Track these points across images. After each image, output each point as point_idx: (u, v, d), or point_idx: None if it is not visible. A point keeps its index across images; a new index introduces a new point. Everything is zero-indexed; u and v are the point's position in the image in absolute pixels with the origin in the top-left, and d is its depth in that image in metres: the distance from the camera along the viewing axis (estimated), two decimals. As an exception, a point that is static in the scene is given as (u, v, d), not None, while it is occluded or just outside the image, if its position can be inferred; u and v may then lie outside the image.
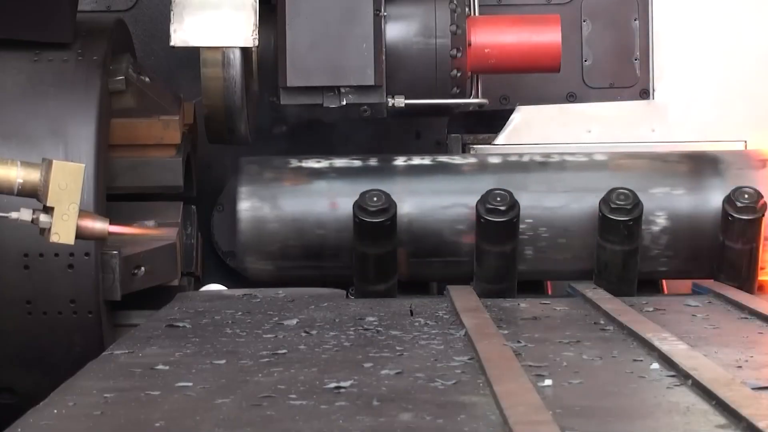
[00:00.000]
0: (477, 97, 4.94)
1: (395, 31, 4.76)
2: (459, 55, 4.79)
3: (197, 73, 4.67)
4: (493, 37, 4.86)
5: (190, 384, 2.93)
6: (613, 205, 4.35)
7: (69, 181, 3.53)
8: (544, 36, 4.87)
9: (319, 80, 4.58)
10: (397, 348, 3.37)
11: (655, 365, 3.06)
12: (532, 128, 5.23)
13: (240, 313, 4.04)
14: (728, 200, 4.43)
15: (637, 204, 4.36)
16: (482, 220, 4.33)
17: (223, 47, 4.52)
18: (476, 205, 4.35)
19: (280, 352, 3.33)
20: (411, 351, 3.33)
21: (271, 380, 2.98)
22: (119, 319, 4.56)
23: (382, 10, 4.66)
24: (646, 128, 5.26)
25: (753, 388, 2.74)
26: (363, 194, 4.37)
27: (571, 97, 5.44)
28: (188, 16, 4.39)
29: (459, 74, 4.82)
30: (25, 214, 3.56)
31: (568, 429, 2.44)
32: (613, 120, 5.26)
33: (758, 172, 4.65)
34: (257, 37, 4.42)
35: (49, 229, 3.53)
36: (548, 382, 2.88)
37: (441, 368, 3.08)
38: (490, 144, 5.23)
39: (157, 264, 4.50)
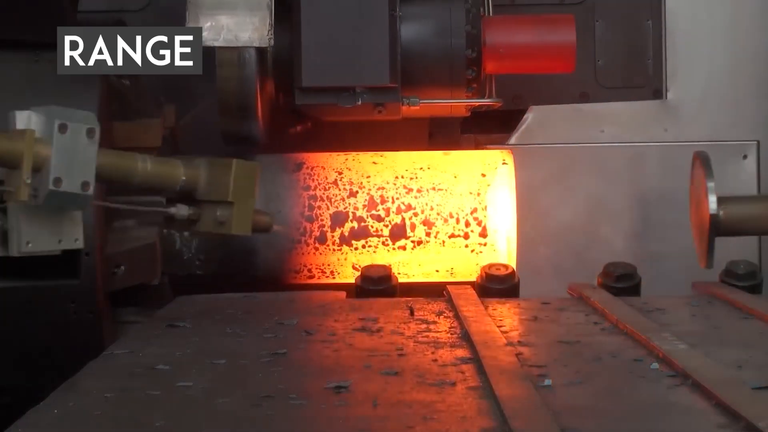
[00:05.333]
0: (491, 97, 4.94)
1: (410, 31, 4.76)
2: (474, 55, 4.79)
3: (209, 73, 4.66)
4: (508, 37, 4.85)
5: (191, 384, 2.93)
6: None
7: (247, 178, 3.75)
8: (558, 36, 4.86)
9: (334, 80, 4.58)
10: (397, 348, 3.37)
11: (655, 365, 3.06)
12: (545, 128, 5.23)
13: (240, 313, 4.04)
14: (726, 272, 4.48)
15: None
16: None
17: (238, 47, 4.51)
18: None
19: (280, 352, 3.33)
20: (411, 351, 3.33)
21: (271, 380, 2.98)
22: (120, 318, 4.56)
23: (398, 10, 4.66)
24: (658, 128, 5.26)
25: (753, 388, 2.75)
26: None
27: (584, 97, 5.44)
28: (204, 16, 4.39)
29: (474, 74, 4.81)
30: (182, 210, 3.75)
31: (568, 429, 2.45)
32: (625, 120, 5.26)
33: None
34: (272, 37, 4.42)
35: (230, 222, 3.73)
36: (548, 382, 2.88)
37: (441, 368, 3.08)
38: (503, 144, 5.22)
39: (137, 263, 4.49)
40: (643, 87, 5.44)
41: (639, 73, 5.45)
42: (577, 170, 4.99)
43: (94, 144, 3.40)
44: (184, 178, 3.73)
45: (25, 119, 3.39)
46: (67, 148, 3.35)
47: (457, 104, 4.86)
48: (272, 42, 4.42)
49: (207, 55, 4.62)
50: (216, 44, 4.42)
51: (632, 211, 5.13)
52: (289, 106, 4.81)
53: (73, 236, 3.56)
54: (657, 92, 5.38)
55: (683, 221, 5.04)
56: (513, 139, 5.22)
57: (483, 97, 4.91)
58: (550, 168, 5.16)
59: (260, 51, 4.61)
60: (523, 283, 4.63)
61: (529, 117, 5.25)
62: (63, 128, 3.35)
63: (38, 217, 3.45)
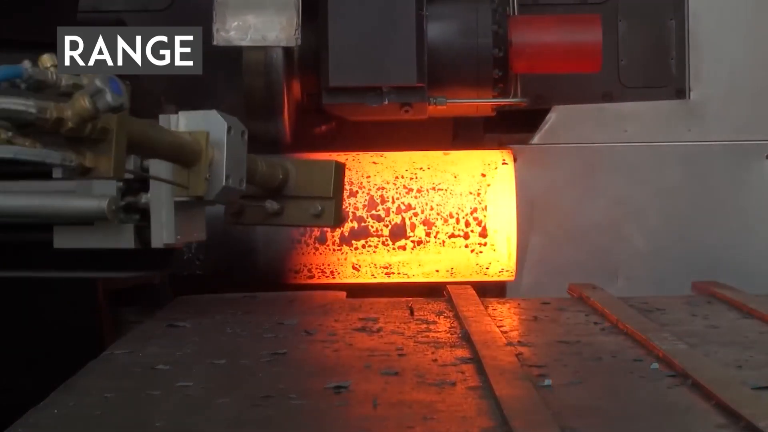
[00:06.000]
0: (516, 97, 4.92)
1: (437, 30, 4.75)
2: (501, 54, 4.77)
3: (233, 73, 4.65)
4: (535, 36, 4.84)
5: (191, 384, 2.93)
6: None
7: (340, 176, 4.06)
8: (585, 36, 4.85)
9: (361, 80, 4.57)
10: (397, 348, 3.37)
11: (655, 365, 3.06)
12: (569, 128, 5.21)
13: (240, 313, 4.04)
14: None
15: None
16: None
17: (265, 47, 4.50)
18: None
19: (280, 351, 3.33)
20: (411, 351, 3.33)
21: (271, 380, 2.98)
22: (120, 318, 4.56)
23: (425, 9, 4.65)
24: (682, 128, 5.24)
25: (753, 388, 2.75)
26: None
27: (608, 97, 5.42)
28: (231, 15, 4.38)
29: (501, 74, 4.80)
30: (273, 205, 4.01)
31: (568, 429, 2.45)
32: (649, 120, 5.24)
33: None
34: (300, 36, 4.40)
35: (329, 215, 4.04)
36: (548, 382, 2.88)
37: (441, 368, 3.08)
38: (526, 144, 5.20)
39: None
40: (666, 87, 5.42)
41: (662, 73, 5.43)
42: (600, 170, 4.99)
43: (245, 144, 3.67)
44: (281, 176, 3.95)
45: (174, 121, 3.62)
46: (231, 148, 3.60)
47: (483, 104, 4.85)
48: (299, 42, 4.41)
49: (229, 54, 4.62)
50: (243, 44, 4.41)
51: (655, 210, 5.11)
52: (314, 106, 4.80)
53: (201, 229, 3.86)
54: (680, 92, 5.36)
55: (706, 221, 5.05)
56: (536, 139, 5.20)
57: (508, 97, 4.89)
58: (573, 167, 5.15)
59: (287, 51, 4.60)
60: (546, 282, 4.64)
61: (552, 117, 5.23)
62: (229, 130, 3.57)
63: (180, 211, 3.71)
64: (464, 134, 5.42)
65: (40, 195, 3.70)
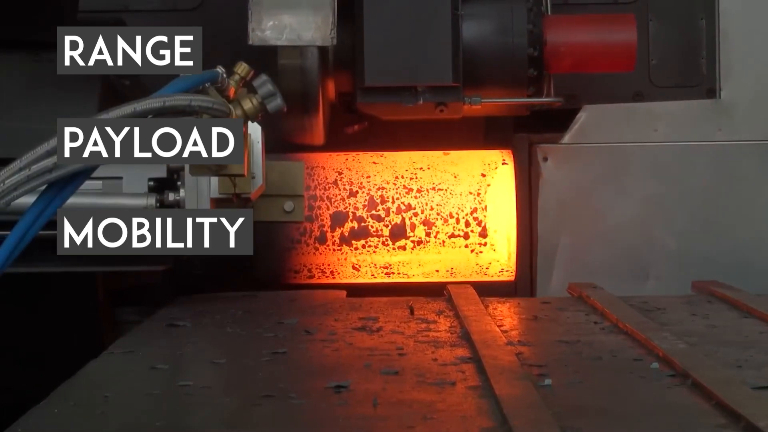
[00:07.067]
0: (549, 96, 4.91)
1: (472, 30, 4.73)
2: (536, 54, 4.76)
3: (265, 72, 4.65)
4: (570, 36, 4.82)
5: (191, 383, 2.93)
6: None
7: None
8: (620, 35, 4.84)
9: (396, 79, 4.56)
10: (397, 347, 3.37)
11: (655, 365, 3.06)
12: (599, 127, 5.18)
13: (240, 312, 4.04)
14: None
15: None
16: None
17: (300, 46, 4.48)
18: None
19: (280, 351, 3.33)
20: (411, 351, 3.33)
21: (271, 380, 2.98)
22: (120, 318, 4.56)
23: (460, 9, 4.64)
24: (712, 127, 5.22)
25: (753, 388, 2.75)
26: None
27: (638, 97, 5.41)
28: (266, 15, 4.37)
29: (535, 73, 4.78)
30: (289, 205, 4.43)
31: (568, 429, 2.45)
32: (679, 119, 5.21)
33: None
34: (335, 36, 4.39)
35: (300, 211, 4.40)
36: (548, 381, 2.88)
37: (441, 368, 3.08)
38: (557, 143, 5.17)
39: None
40: (697, 86, 5.40)
41: (692, 73, 5.41)
42: (630, 170, 4.98)
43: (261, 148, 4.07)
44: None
45: None
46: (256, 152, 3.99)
47: (517, 103, 4.83)
48: (335, 41, 4.39)
49: (261, 53, 4.60)
50: (279, 43, 4.38)
51: (685, 210, 5.10)
52: (346, 106, 4.79)
53: None
54: (710, 91, 5.33)
55: (736, 221, 5.03)
56: (566, 138, 5.18)
57: (541, 96, 4.88)
58: (603, 167, 5.13)
59: (321, 50, 4.58)
60: (576, 282, 4.65)
61: (583, 116, 5.20)
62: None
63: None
64: (495, 134, 5.40)
65: (84, 195, 3.80)
